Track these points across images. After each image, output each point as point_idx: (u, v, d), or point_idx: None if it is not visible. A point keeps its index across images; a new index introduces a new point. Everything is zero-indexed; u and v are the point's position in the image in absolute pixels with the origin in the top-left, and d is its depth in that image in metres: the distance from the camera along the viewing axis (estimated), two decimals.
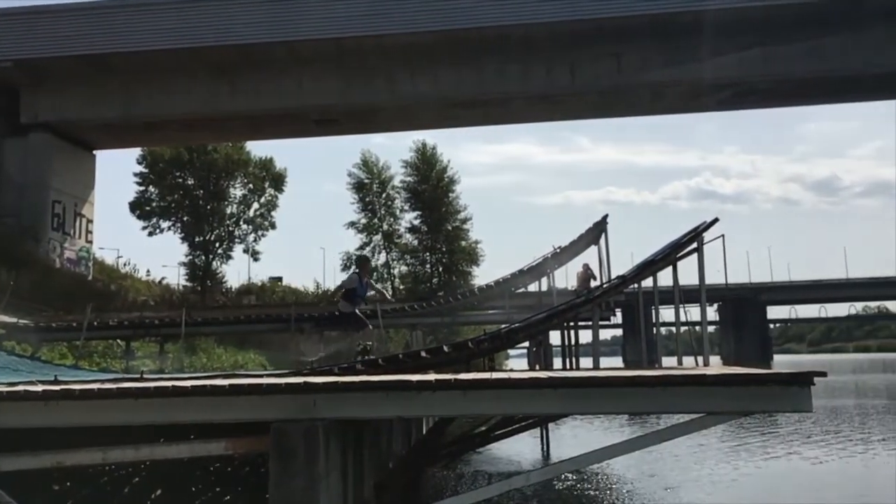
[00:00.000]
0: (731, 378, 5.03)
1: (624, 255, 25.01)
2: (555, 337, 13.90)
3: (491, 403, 5.30)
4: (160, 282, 42.93)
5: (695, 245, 7.76)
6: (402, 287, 49.52)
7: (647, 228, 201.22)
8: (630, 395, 5.11)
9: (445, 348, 7.49)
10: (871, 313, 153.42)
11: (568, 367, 11.74)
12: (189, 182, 44.46)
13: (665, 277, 8.31)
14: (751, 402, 5.01)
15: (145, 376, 7.63)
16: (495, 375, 5.99)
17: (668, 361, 9.55)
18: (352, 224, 51.52)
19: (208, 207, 44.48)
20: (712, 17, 27.55)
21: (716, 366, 8.11)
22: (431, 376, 5.78)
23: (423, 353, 7.55)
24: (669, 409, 5.28)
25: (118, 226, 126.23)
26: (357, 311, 11.05)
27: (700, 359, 7.69)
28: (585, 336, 12.33)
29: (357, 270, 11.70)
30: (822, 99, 35.49)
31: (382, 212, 51.92)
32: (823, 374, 4.91)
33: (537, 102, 32.51)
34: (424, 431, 9.79)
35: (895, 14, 27.65)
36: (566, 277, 26.80)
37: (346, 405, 5.21)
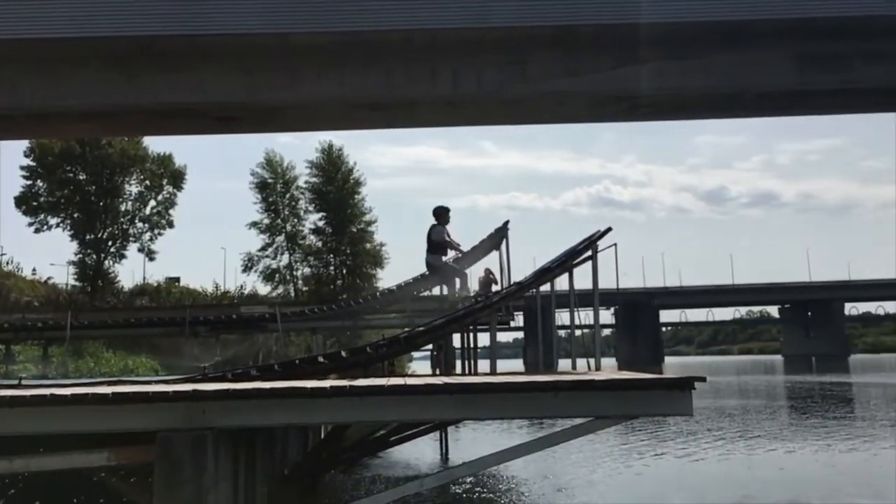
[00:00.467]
0: (618, 383, 5.22)
1: (527, 258, 25.60)
2: (459, 339, 14.06)
3: (387, 410, 5.30)
4: (46, 281, 40.74)
5: (590, 252, 8.00)
6: (304, 289, 48.83)
7: (549, 233, 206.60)
8: (523, 401, 5.23)
9: (344, 353, 7.44)
10: (754, 317, 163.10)
11: (467, 370, 11.88)
12: (81, 177, 42.38)
13: (565, 282, 8.54)
14: (636, 407, 5.22)
15: (23, 382, 7.20)
16: (391, 381, 5.99)
17: (567, 364, 9.82)
18: (254, 224, 50.46)
19: (101, 204, 42.50)
20: (611, 31, 28.56)
21: (608, 369, 8.39)
22: (326, 383, 5.72)
23: (321, 359, 7.46)
24: (560, 413, 5.42)
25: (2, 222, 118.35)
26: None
27: (592, 362, 7.93)
28: (488, 339, 12.53)
29: (437, 224, 11.99)
30: (712, 113, 37.28)
31: (286, 212, 51.08)
32: (703, 380, 5.17)
33: (443, 107, 32.72)
34: (322, 437, 9.67)
35: (777, 36, 29.41)
36: (471, 281, 27.13)
37: (238, 413, 5.08)
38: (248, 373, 7.27)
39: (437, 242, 12.43)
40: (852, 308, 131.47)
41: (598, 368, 7.62)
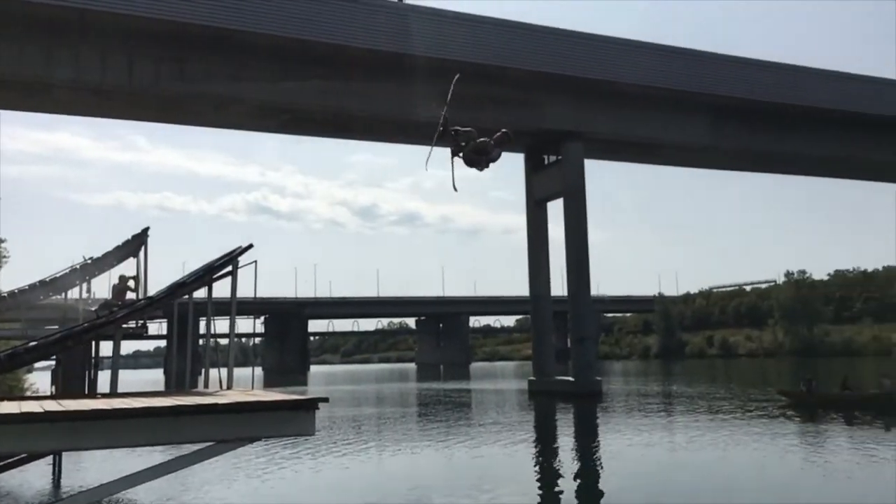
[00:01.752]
0: (243, 406, 5.21)
1: (177, 263, 24.20)
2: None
3: None
4: None
5: (230, 268, 7.87)
6: None
7: (203, 238, 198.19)
8: (140, 427, 4.93)
9: None
10: (394, 328, 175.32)
11: (87, 390, 10.82)
12: None
13: (222, 289, 8.25)
14: (261, 429, 5.26)
15: None
16: None
17: (214, 374, 9.46)
18: None
19: None
20: (275, 42, 28.68)
21: (243, 384, 8.29)
22: None
23: None
24: (181, 439, 5.22)
25: None
26: None
27: (225, 378, 7.78)
28: (131, 346, 11.58)
29: None
30: (369, 136, 39.39)
31: None
32: (325, 400, 5.42)
33: (89, 96, 29.64)
34: None
35: (436, 74, 32.12)
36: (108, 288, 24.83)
37: None
38: None
39: None
40: (476, 321, 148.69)
41: (230, 386, 7.50)
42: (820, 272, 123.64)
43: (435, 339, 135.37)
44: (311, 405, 5.28)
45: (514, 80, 33.17)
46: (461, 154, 6.10)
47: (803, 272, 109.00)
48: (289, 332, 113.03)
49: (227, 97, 30.51)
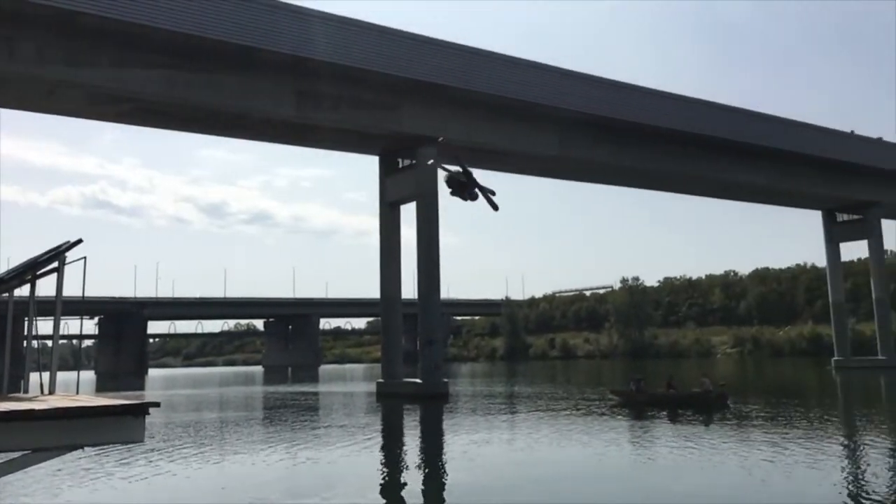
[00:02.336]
0: (63, 412, 4.89)
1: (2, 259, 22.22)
2: None
3: None
4: None
5: (56, 265, 7.36)
6: None
7: (33, 232, 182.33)
8: None
9: None
10: (241, 330, 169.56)
11: None
12: None
13: (49, 287, 7.66)
14: (83, 436, 4.95)
15: None
16: None
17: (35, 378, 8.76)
18: None
19: None
20: (117, 27, 27.06)
21: (64, 389, 7.78)
22: None
23: None
24: None
25: None
26: None
27: (47, 382, 7.26)
28: None
29: None
30: (216, 130, 37.96)
31: None
32: (157, 405, 5.20)
33: None
34: None
35: (283, 68, 31.57)
36: None
37: None
38: None
39: None
40: (326, 323, 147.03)
41: (52, 391, 7.00)
42: (652, 279, 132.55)
43: (283, 342, 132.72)
44: (141, 410, 5.05)
45: (374, 82, 33.28)
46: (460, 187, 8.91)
47: (637, 279, 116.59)
48: (125, 334, 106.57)
49: (63, 81, 28.41)
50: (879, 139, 53.67)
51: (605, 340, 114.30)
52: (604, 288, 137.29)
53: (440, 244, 36.22)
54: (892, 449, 14.73)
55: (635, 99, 40.63)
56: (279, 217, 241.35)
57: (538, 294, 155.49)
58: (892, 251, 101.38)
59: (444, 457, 15.51)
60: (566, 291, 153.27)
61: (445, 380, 35.53)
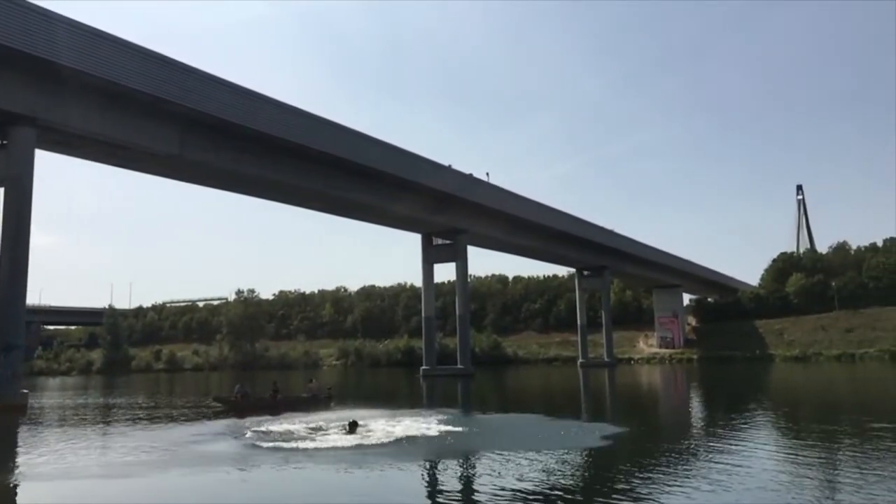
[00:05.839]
0: None
1: None
2: None
3: None
4: None
5: None
6: None
7: None
8: None
9: None
10: None
11: None
12: None
13: None
14: None
15: None
16: None
17: None
18: None
19: None
20: None
21: None
22: None
23: None
24: None
25: None
26: None
27: None
28: None
29: None
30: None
31: None
32: None
33: None
34: None
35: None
36: None
37: None
38: None
39: None
40: None
41: None
42: (268, 292, 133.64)
43: None
44: None
45: None
46: None
47: (252, 291, 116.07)
48: None
49: None
50: (470, 175, 61.58)
51: (215, 352, 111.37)
52: (219, 299, 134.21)
53: (30, 240, 31.87)
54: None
55: (261, 107, 40.61)
56: None
57: (147, 304, 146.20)
58: (473, 275, 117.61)
59: None
60: (178, 302, 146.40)
61: (25, 391, 31.36)
